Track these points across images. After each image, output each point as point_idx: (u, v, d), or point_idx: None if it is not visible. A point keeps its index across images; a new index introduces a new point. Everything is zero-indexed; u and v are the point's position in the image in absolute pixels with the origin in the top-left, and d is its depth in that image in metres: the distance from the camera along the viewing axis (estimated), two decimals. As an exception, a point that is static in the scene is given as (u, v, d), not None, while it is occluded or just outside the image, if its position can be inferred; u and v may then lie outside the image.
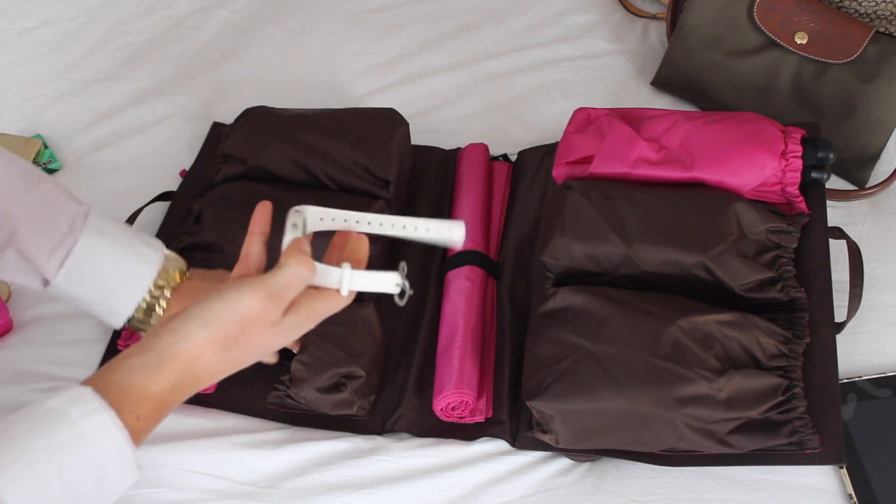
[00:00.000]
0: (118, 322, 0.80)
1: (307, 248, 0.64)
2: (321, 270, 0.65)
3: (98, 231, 0.78)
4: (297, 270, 0.63)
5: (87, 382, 0.59)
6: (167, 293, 0.80)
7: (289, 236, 0.66)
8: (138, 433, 0.59)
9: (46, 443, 0.55)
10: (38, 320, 0.94)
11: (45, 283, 0.77)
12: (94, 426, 0.56)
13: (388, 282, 0.69)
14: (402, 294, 0.69)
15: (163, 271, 0.80)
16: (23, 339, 0.93)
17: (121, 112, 1.14)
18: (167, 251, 0.82)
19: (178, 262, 0.83)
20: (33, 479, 0.54)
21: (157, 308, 0.80)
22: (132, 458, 0.58)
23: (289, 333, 0.65)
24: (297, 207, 0.68)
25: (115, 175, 1.07)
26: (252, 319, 0.62)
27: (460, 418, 0.84)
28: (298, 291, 0.64)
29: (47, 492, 0.54)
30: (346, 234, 0.69)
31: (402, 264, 0.69)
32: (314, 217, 0.69)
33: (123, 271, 0.78)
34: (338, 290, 0.66)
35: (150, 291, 0.79)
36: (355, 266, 0.67)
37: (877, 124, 0.97)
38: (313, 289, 0.66)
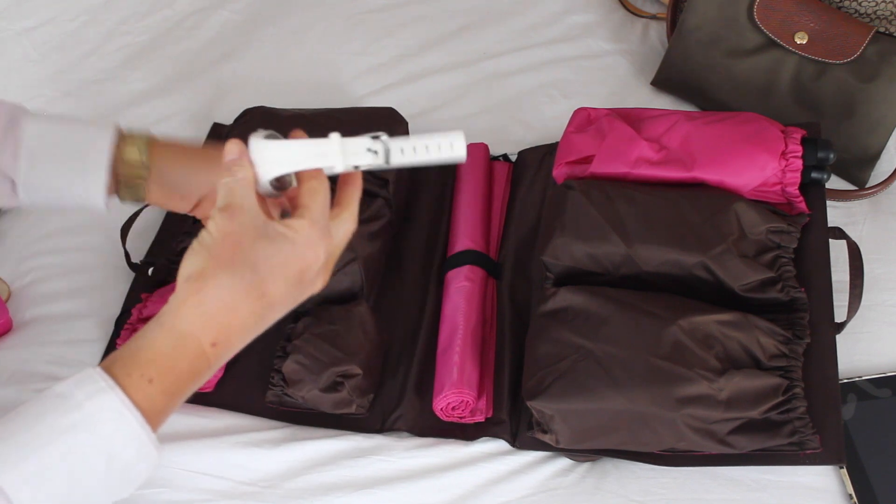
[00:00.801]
0: (99, 200, 0.74)
1: (225, 158, 0.60)
2: (274, 152, 0.59)
3: (41, 116, 0.74)
4: (223, 181, 0.58)
5: (105, 361, 0.56)
6: (141, 146, 0.74)
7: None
8: (155, 403, 0.55)
9: (49, 427, 0.53)
10: (38, 320, 0.95)
11: (13, 186, 0.73)
12: (99, 407, 0.53)
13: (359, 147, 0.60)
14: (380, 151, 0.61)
15: (124, 134, 0.75)
16: (23, 339, 0.93)
17: (121, 112, 1.14)
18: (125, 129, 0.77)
19: (138, 132, 0.77)
20: (35, 464, 0.52)
21: (139, 162, 0.74)
22: (147, 438, 0.54)
23: (290, 239, 0.57)
24: (252, 137, 0.61)
25: (115, 175, 1.07)
26: (229, 231, 0.56)
27: (460, 418, 0.84)
28: (242, 189, 0.58)
29: (50, 476, 0.52)
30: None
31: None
32: (270, 153, 0.61)
33: (80, 142, 0.73)
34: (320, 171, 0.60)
35: (123, 160, 0.74)
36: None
37: (877, 124, 0.97)
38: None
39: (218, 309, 0.56)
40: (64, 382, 0.55)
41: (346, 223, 0.62)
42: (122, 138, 0.75)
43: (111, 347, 0.90)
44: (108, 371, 0.55)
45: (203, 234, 0.57)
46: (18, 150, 0.72)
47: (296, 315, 0.88)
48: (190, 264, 0.57)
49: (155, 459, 0.56)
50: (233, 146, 0.60)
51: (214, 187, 0.60)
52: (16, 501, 0.51)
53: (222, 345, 0.57)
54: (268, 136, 0.61)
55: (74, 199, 0.75)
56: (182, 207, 0.78)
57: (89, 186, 0.73)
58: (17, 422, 0.54)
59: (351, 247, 0.87)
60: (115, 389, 0.54)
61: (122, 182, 0.75)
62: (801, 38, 0.99)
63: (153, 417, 0.55)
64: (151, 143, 0.75)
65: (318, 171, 0.60)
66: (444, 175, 1.03)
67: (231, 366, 0.88)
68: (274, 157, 0.60)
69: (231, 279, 0.56)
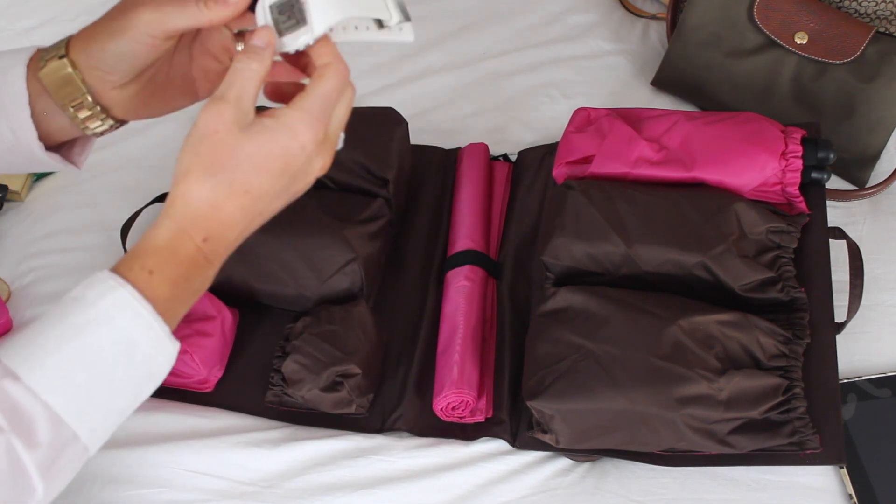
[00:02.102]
0: (32, 143, 0.64)
1: (253, 42, 0.58)
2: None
3: None
4: (233, 67, 0.57)
5: (113, 266, 0.56)
6: (59, 55, 0.63)
7: None
8: (156, 291, 0.55)
9: (69, 326, 0.53)
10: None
11: None
12: (111, 303, 0.54)
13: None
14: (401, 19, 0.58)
15: (40, 54, 0.64)
16: (23, 338, 0.93)
17: (121, 112, 1.14)
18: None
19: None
20: (59, 361, 0.52)
21: (75, 79, 0.63)
22: (161, 329, 0.55)
23: (274, 134, 0.57)
24: None
25: (115, 175, 1.07)
26: (212, 129, 0.56)
27: (460, 418, 0.84)
28: (249, 85, 0.57)
29: (75, 372, 0.53)
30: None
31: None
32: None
33: None
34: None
35: (46, 83, 0.63)
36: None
37: (877, 124, 0.97)
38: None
39: (202, 206, 0.56)
40: (76, 288, 0.55)
41: (345, 102, 0.60)
42: (35, 59, 0.64)
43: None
44: (115, 270, 0.55)
45: (192, 128, 0.57)
46: None
47: (295, 315, 0.88)
48: (179, 163, 0.57)
49: (171, 353, 0.56)
50: (264, 34, 0.58)
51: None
52: (46, 400, 0.52)
53: (214, 239, 0.57)
54: None
55: (16, 155, 0.66)
56: (184, 100, 0.70)
57: (16, 129, 0.64)
58: (36, 328, 0.54)
59: (351, 247, 0.87)
60: (125, 286, 0.54)
61: (69, 114, 0.64)
62: (801, 38, 0.99)
63: (162, 307, 0.55)
64: (69, 45, 0.63)
65: (334, 50, 0.58)
66: (444, 175, 1.03)
67: (231, 366, 0.88)
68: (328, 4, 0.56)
69: (212, 179, 0.56)
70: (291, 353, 0.83)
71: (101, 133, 0.67)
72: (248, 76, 0.57)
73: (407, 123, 1.00)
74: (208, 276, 0.58)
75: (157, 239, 0.56)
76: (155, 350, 0.55)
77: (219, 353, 0.87)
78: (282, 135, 0.57)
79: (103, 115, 0.65)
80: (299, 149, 0.58)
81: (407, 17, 0.59)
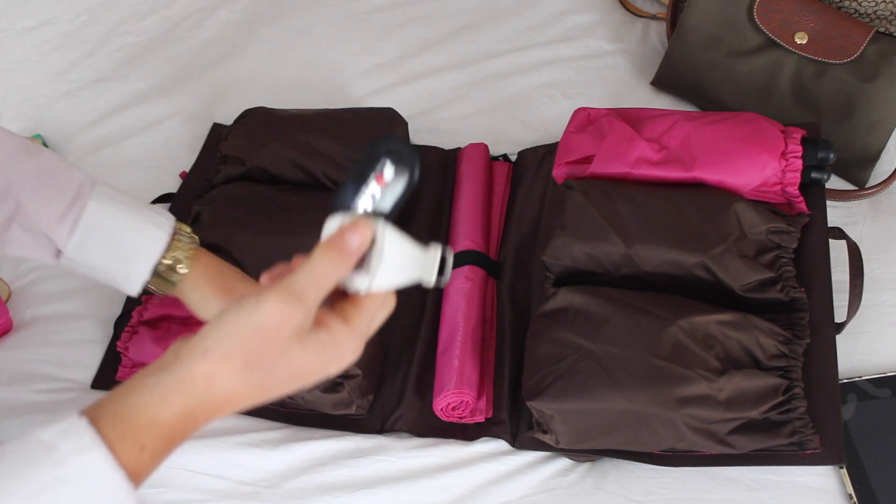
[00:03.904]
0: (134, 288, 0.77)
1: (349, 238, 0.53)
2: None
3: (106, 196, 0.75)
4: (321, 262, 0.52)
5: (90, 409, 0.52)
6: (186, 254, 0.77)
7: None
8: (141, 468, 0.52)
9: (29, 481, 0.49)
10: (38, 320, 0.95)
11: (58, 253, 0.75)
12: (84, 464, 0.50)
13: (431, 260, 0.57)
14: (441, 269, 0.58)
15: (176, 235, 0.77)
16: (23, 339, 0.93)
17: (121, 112, 1.14)
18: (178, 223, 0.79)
19: (189, 232, 0.80)
20: None
21: (178, 269, 0.77)
22: (128, 495, 0.51)
23: (326, 352, 0.54)
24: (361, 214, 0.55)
25: (115, 176, 1.07)
26: (275, 329, 0.52)
27: (460, 418, 0.84)
28: (327, 289, 0.53)
29: None
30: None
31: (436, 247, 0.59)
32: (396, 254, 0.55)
33: (136, 234, 0.75)
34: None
35: (164, 255, 0.76)
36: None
37: (877, 124, 0.97)
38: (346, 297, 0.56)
39: (221, 396, 0.54)
40: (49, 429, 0.51)
41: (386, 310, 0.58)
42: (173, 240, 0.77)
43: (111, 349, 0.90)
44: (96, 424, 0.51)
45: (253, 309, 0.52)
46: (75, 228, 0.74)
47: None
48: (219, 334, 0.53)
49: None
50: (365, 232, 0.54)
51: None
52: None
53: (213, 419, 0.55)
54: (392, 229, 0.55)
55: (110, 281, 0.77)
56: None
57: (130, 277, 0.76)
58: (1, 467, 0.50)
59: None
60: (100, 447, 0.50)
61: (157, 274, 0.77)
62: (801, 38, 0.99)
63: (138, 478, 0.52)
64: (196, 256, 0.78)
65: (343, 250, 0.54)
66: (445, 175, 1.03)
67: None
68: (396, 263, 0.55)
69: (246, 375, 0.53)
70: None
71: (150, 288, 0.79)
72: (330, 278, 0.53)
73: (406, 124, 1.00)
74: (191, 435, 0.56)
75: (161, 416, 0.52)
76: None
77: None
78: (331, 353, 0.55)
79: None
80: (340, 367, 0.56)
81: (442, 271, 0.58)
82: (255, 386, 0.54)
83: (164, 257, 0.76)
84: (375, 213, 0.55)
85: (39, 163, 0.75)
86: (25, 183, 0.73)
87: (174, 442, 0.53)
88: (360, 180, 0.55)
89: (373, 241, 0.54)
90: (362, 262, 0.55)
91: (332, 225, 0.55)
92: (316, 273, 0.53)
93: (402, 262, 0.56)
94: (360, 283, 0.54)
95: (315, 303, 0.53)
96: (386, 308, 0.57)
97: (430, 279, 0.57)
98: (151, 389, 0.52)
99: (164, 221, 0.77)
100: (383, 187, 0.55)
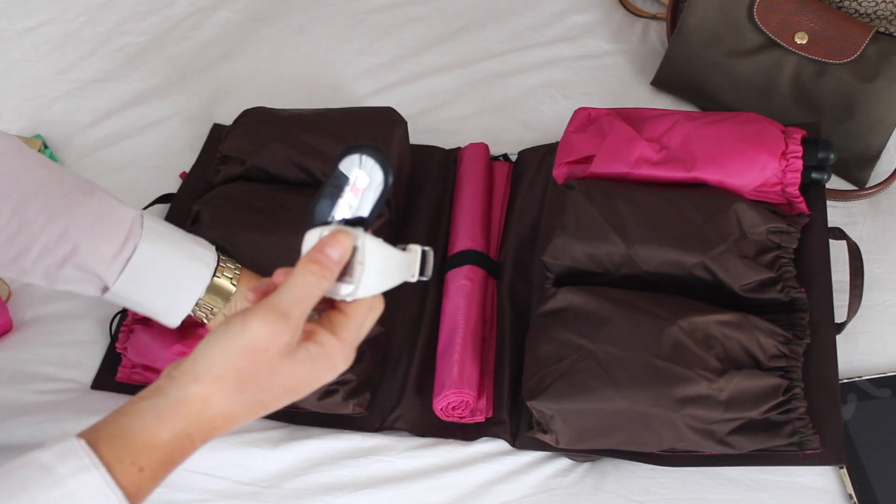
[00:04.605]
0: (175, 321, 0.79)
1: (329, 251, 0.55)
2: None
3: (155, 234, 0.77)
4: (304, 278, 0.54)
5: (88, 431, 0.53)
6: (229, 293, 0.79)
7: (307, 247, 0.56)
8: (140, 488, 0.52)
9: (28, 502, 0.50)
10: (38, 320, 0.94)
11: (104, 289, 0.77)
12: (82, 485, 0.50)
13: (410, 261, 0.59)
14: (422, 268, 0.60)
15: (218, 268, 0.80)
16: (23, 339, 0.93)
17: (121, 112, 1.14)
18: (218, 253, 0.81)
19: (231, 262, 0.82)
20: None
21: (222, 303, 0.79)
22: None
23: (316, 364, 0.56)
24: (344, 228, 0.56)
25: (115, 176, 1.07)
26: (264, 348, 0.53)
27: (460, 418, 0.84)
28: (312, 304, 0.55)
29: None
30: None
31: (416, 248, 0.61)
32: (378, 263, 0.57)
33: (181, 271, 0.78)
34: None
35: (208, 292, 0.79)
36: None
37: (877, 124, 0.97)
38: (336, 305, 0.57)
39: (217, 416, 0.55)
40: (47, 451, 0.51)
41: (374, 315, 0.59)
42: (217, 271, 0.79)
43: (111, 349, 0.90)
44: (94, 446, 0.52)
45: (240, 329, 0.54)
46: (125, 267, 0.76)
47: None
48: (210, 359, 0.54)
49: None
50: (345, 243, 0.55)
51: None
52: None
53: (210, 438, 0.56)
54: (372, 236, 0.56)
55: (150, 313, 0.80)
56: None
57: (171, 312, 0.79)
58: (0, 487, 0.51)
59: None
60: (99, 468, 0.51)
61: (198, 304, 0.79)
62: (801, 38, 0.99)
63: (137, 498, 0.53)
64: (240, 279, 0.80)
65: (324, 264, 0.55)
66: (445, 175, 1.03)
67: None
68: (378, 269, 0.56)
69: (241, 395, 0.55)
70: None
71: (193, 314, 0.81)
72: (313, 293, 0.54)
73: (406, 123, 1.00)
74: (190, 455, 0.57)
75: (159, 438, 0.53)
76: None
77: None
78: (321, 365, 0.56)
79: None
80: (332, 376, 0.57)
81: (423, 272, 0.60)
82: (250, 404, 0.55)
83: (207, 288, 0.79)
84: (354, 222, 0.56)
85: (95, 203, 0.76)
86: (84, 225, 0.74)
87: (173, 462, 0.54)
88: (334, 191, 0.56)
89: (354, 249, 0.55)
90: (346, 271, 0.56)
91: (311, 238, 0.56)
92: (299, 289, 0.54)
93: (385, 266, 0.57)
94: (345, 292, 0.56)
95: (301, 319, 0.54)
96: (375, 311, 0.58)
97: (412, 279, 0.59)
98: (147, 412, 0.53)
99: (208, 256, 0.80)
100: (358, 196, 0.56)
